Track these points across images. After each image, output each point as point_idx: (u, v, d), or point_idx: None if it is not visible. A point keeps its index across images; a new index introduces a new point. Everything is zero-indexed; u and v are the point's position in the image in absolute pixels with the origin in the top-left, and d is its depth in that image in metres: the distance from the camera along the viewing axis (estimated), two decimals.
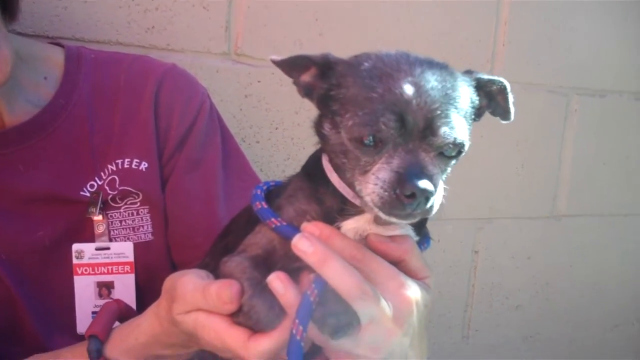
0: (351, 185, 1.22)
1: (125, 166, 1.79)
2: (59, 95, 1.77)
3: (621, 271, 3.56)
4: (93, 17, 2.13)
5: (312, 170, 1.34)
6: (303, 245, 1.19)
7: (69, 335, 1.75)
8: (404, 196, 1.09)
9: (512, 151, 2.98)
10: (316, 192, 1.30)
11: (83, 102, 1.79)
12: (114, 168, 1.79)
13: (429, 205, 1.11)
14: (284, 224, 1.27)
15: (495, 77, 1.28)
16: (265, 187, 1.40)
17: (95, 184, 1.78)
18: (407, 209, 1.10)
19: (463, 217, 2.95)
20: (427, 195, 1.09)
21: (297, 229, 1.25)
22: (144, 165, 1.80)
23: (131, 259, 1.79)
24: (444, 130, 1.13)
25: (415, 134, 1.12)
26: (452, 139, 1.13)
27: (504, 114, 1.32)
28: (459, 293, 3.09)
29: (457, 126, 1.14)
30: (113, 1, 2.15)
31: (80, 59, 1.84)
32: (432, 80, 1.15)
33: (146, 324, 1.43)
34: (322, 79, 1.23)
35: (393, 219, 1.14)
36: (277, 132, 2.46)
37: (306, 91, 1.27)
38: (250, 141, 2.42)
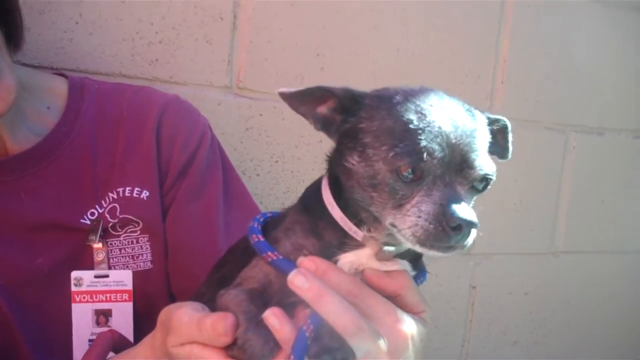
0: (368, 219, 1.23)
1: (127, 194, 1.80)
2: (61, 123, 1.79)
3: (619, 308, 3.55)
4: (97, 49, 2.16)
5: (310, 204, 1.34)
6: (299, 281, 1.19)
7: None
8: (450, 228, 1.09)
9: (511, 187, 3.00)
10: (315, 226, 1.30)
11: (86, 130, 1.81)
12: (115, 196, 1.80)
13: (470, 238, 1.13)
14: (280, 257, 1.26)
15: (498, 116, 1.31)
16: (262, 219, 1.40)
17: (96, 212, 1.79)
18: (452, 241, 1.11)
19: (460, 253, 2.94)
20: (471, 227, 1.11)
21: (293, 263, 1.24)
22: (145, 194, 1.81)
23: (130, 287, 1.79)
24: (478, 163, 1.16)
25: (452, 167, 1.14)
26: (484, 172, 1.17)
27: (503, 152, 1.35)
28: (456, 328, 3.08)
29: (487, 160, 1.19)
30: (117, 34, 2.18)
31: (83, 89, 1.86)
32: (463, 116, 1.19)
33: (141, 355, 1.42)
34: (341, 113, 1.24)
35: (433, 253, 1.14)
36: (277, 165, 2.48)
37: (324, 124, 1.26)
38: (251, 174, 2.44)
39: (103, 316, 1.79)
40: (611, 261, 3.44)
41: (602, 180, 3.29)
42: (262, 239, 1.31)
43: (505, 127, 1.32)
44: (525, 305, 3.22)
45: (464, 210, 1.10)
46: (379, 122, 1.18)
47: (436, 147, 1.11)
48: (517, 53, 2.89)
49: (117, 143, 1.83)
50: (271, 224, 1.39)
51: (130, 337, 1.74)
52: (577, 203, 3.22)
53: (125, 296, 1.79)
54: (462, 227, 1.09)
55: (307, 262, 1.23)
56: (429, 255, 1.17)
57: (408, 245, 1.16)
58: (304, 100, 1.24)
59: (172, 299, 1.86)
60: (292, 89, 1.23)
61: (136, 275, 1.81)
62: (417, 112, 1.15)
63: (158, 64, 2.24)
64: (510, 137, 1.33)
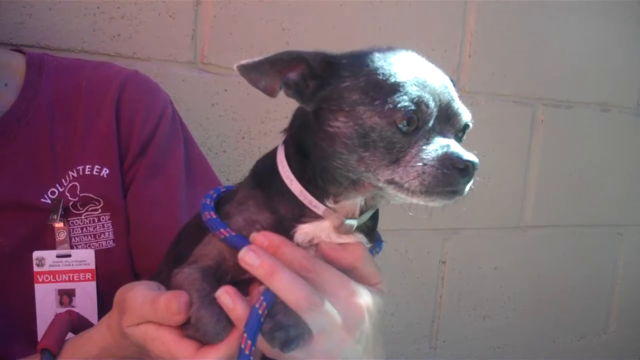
0: (341, 189, 1.22)
1: (87, 172, 1.77)
2: (19, 101, 1.76)
3: (587, 281, 3.58)
4: (58, 25, 2.12)
5: (264, 178, 1.33)
6: (249, 258, 1.18)
7: (28, 344, 1.71)
8: (458, 170, 1.11)
9: (479, 161, 2.98)
10: (269, 200, 1.28)
11: (44, 108, 1.77)
12: (75, 175, 1.77)
13: (471, 182, 1.15)
14: (233, 234, 1.25)
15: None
16: (215, 195, 1.38)
17: (57, 191, 1.76)
18: (459, 184, 1.12)
19: (430, 228, 2.96)
20: (476, 169, 1.13)
21: (246, 240, 1.23)
22: (105, 172, 1.78)
23: (92, 266, 1.77)
24: (462, 111, 1.21)
25: (442, 116, 1.17)
26: (467, 120, 1.22)
27: None
28: (427, 304, 3.09)
29: (465, 109, 1.23)
30: (78, 9, 2.13)
31: (42, 65, 1.83)
32: (436, 69, 1.23)
33: (98, 337, 1.40)
34: (314, 78, 1.22)
35: (437, 201, 1.15)
36: (244, 142, 2.46)
37: (296, 91, 1.23)
38: (217, 150, 2.42)
39: (66, 296, 1.77)
40: (580, 235, 3.47)
41: (570, 153, 3.31)
42: (214, 216, 1.29)
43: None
44: (494, 280, 3.24)
45: (466, 152, 1.13)
46: (365, 78, 1.17)
47: (428, 96, 1.14)
48: (484, 27, 2.89)
49: (76, 120, 1.80)
50: (225, 199, 1.37)
51: (95, 317, 1.73)
52: (546, 177, 3.23)
53: (88, 275, 1.77)
54: (469, 167, 1.11)
55: (260, 237, 1.22)
56: (432, 205, 1.17)
57: (409, 198, 1.16)
58: (267, 71, 1.21)
59: (136, 277, 1.85)
60: (255, 59, 1.19)
61: (99, 254, 1.78)
62: (401, 66, 1.17)
63: (120, 39, 2.21)
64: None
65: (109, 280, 1.78)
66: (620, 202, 3.57)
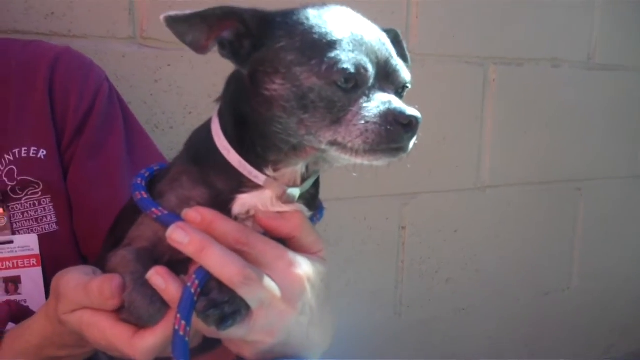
0: (282, 155, 1.19)
1: (23, 155, 1.71)
2: None
3: (548, 238, 3.60)
4: None
5: (199, 150, 1.29)
6: (178, 236, 1.15)
7: None
8: (401, 126, 1.09)
9: (433, 125, 2.97)
10: (205, 175, 1.25)
11: None
12: (11, 158, 1.71)
13: (414, 138, 1.13)
14: (166, 213, 1.21)
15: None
16: (147, 174, 1.35)
17: None
18: (403, 140, 1.10)
19: (388, 194, 2.94)
20: (419, 124, 1.11)
21: (179, 217, 1.19)
22: (42, 153, 1.72)
23: (37, 251, 1.72)
24: (400, 67, 1.19)
25: (380, 74, 1.15)
26: (407, 78, 1.20)
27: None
28: (389, 270, 3.08)
29: (403, 65, 1.21)
30: None
31: None
32: (373, 27, 1.21)
33: (37, 325, 1.37)
34: (248, 37, 1.17)
35: (382, 159, 1.13)
36: (191, 117, 2.40)
37: (231, 51, 1.19)
38: (164, 127, 2.36)
39: (12, 284, 1.72)
40: (538, 192, 3.47)
41: (523, 111, 3.29)
42: (145, 196, 1.26)
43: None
44: (455, 243, 3.23)
45: (408, 108, 1.11)
46: (300, 37, 1.14)
47: (365, 54, 1.12)
48: None
49: (8, 102, 1.74)
50: (158, 177, 1.34)
51: (43, 302, 1.67)
52: (501, 136, 3.22)
53: (33, 261, 1.72)
54: (412, 122, 1.10)
55: (192, 213, 1.19)
56: (377, 164, 1.15)
57: (353, 158, 1.14)
58: (196, 25, 1.15)
59: (84, 260, 1.80)
60: (185, 11, 1.14)
61: (42, 239, 1.73)
62: (337, 24, 1.14)
63: (54, 17, 2.14)
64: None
65: (55, 265, 1.71)
66: (577, 158, 3.58)
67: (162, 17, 1.14)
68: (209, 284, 1.14)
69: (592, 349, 3.97)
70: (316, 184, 1.35)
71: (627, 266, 4.00)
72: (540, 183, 3.46)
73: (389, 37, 1.25)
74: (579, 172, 3.63)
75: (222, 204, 1.23)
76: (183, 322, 1.11)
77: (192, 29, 1.15)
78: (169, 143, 2.31)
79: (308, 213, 1.31)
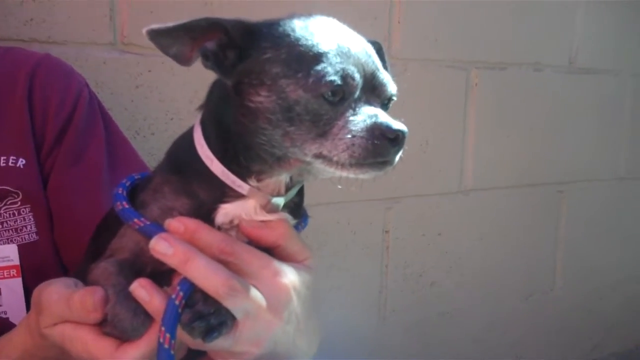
0: (266, 167, 1.18)
1: (2, 164, 1.67)
2: None
3: (532, 240, 3.61)
4: None
5: (181, 160, 1.28)
6: (161, 247, 1.13)
7: None
8: (388, 140, 1.08)
9: (416, 129, 2.94)
10: (187, 185, 1.23)
11: None
12: None
13: (401, 152, 1.12)
14: (148, 223, 1.20)
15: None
16: (129, 184, 1.33)
17: None
18: (390, 154, 1.10)
19: (371, 198, 2.94)
20: (405, 138, 1.10)
21: (162, 228, 1.18)
22: (21, 162, 1.69)
23: (16, 262, 1.68)
24: (386, 81, 1.18)
25: (367, 86, 1.14)
26: (393, 91, 1.20)
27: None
28: (373, 275, 3.07)
29: (390, 78, 1.20)
30: None
31: None
32: (359, 38, 1.19)
33: (18, 339, 1.35)
34: (232, 48, 1.16)
35: (368, 174, 1.12)
36: (172, 123, 2.39)
37: (215, 62, 1.17)
38: (145, 133, 2.35)
39: None
40: (521, 195, 3.48)
41: (506, 115, 3.31)
42: (126, 206, 1.24)
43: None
44: (439, 246, 3.23)
45: (395, 121, 1.10)
46: (286, 49, 1.13)
47: (352, 67, 1.11)
48: None
49: None
50: (140, 187, 1.32)
51: (23, 315, 1.65)
52: (483, 140, 3.23)
53: (13, 272, 1.69)
54: (399, 137, 1.09)
55: (175, 223, 1.17)
56: (362, 177, 1.14)
57: (339, 171, 1.13)
58: (180, 38, 1.14)
59: (65, 270, 1.77)
60: (168, 24, 1.12)
61: (22, 249, 1.70)
62: (323, 36, 1.13)
63: (33, 23, 2.11)
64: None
65: (36, 276, 1.69)
66: (559, 160, 3.59)
67: (144, 30, 1.12)
68: (194, 295, 1.12)
69: (576, 349, 3.98)
70: (300, 192, 1.34)
71: (609, 267, 4.03)
72: (523, 186, 3.48)
73: (374, 48, 1.24)
74: (562, 174, 3.65)
75: (205, 214, 1.21)
76: (168, 335, 1.09)
77: (176, 42, 1.14)
78: (151, 149, 2.30)
79: (293, 221, 1.30)
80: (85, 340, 1.16)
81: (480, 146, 3.21)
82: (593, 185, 3.80)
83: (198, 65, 1.19)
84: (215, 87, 1.29)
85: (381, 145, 1.08)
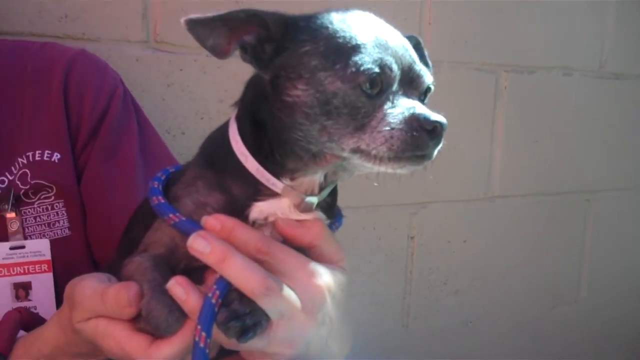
0: (301, 164, 1.18)
1: (37, 158, 1.70)
2: None
3: (557, 250, 3.57)
4: (2, 8, 2.04)
5: (215, 155, 1.27)
6: (199, 245, 1.12)
7: None
8: (427, 132, 1.07)
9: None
10: (221, 180, 1.23)
11: None
12: (25, 161, 1.70)
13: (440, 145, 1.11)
14: (183, 219, 1.19)
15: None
16: (163, 177, 1.33)
17: (6, 180, 1.69)
18: (429, 148, 1.09)
19: (397, 203, 2.92)
20: (444, 130, 1.09)
21: (198, 224, 1.17)
22: (56, 157, 1.71)
23: (48, 257, 1.70)
24: (423, 73, 1.18)
25: (404, 79, 1.14)
26: (430, 82, 1.19)
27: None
28: (397, 280, 3.05)
29: (427, 71, 1.20)
30: None
31: None
32: (396, 31, 1.20)
33: (49, 334, 1.34)
34: (270, 41, 1.16)
35: (406, 167, 1.12)
36: (202, 122, 2.39)
37: (253, 55, 1.17)
38: (175, 132, 2.35)
39: (22, 290, 1.70)
40: (548, 203, 3.44)
41: (535, 120, 3.27)
42: (162, 201, 1.24)
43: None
44: (464, 253, 3.20)
45: (433, 113, 1.09)
46: (324, 41, 1.12)
47: (391, 58, 1.10)
48: None
49: (22, 105, 1.73)
50: (173, 180, 1.32)
51: (53, 310, 1.66)
52: (511, 145, 3.19)
53: (45, 267, 1.71)
54: (437, 128, 1.08)
55: (212, 220, 1.16)
56: (400, 172, 1.13)
57: (377, 166, 1.12)
58: (218, 29, 1.14)
59: (96, 267, 1.78)
60: (207, 14, 1.12)
61: (54, 244, 1.72)
62: (361, 28, 1.13)
63: (68, 20, 2.13)
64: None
65: (67, 271, 1.70)
66: (586, 168, 3.55)
67: (182, 20, 1.12)
68: (230, 294, 1.12)
69: None
70: (333, 192, 1.33)
71: (636, 278, 3.97)
72: (550, 194, 3.43)
73: (411, 43, 1.24)
74: (589, 182, 3.59)
75: (238, 210, 1.21)
76: (204, 334, 1.08)
77: (214, 33, 1.14)
78: (181, 148, 2.29)
79: (326, 221, 1.30)
80: (119, 335, 1.16)
81: (507, 151, 3.18)
82: (620, 195, 3.75)
83: (228, 64, 1.18)
84: (251, 83, 1.29)
85: (420, 137, 1.07)
